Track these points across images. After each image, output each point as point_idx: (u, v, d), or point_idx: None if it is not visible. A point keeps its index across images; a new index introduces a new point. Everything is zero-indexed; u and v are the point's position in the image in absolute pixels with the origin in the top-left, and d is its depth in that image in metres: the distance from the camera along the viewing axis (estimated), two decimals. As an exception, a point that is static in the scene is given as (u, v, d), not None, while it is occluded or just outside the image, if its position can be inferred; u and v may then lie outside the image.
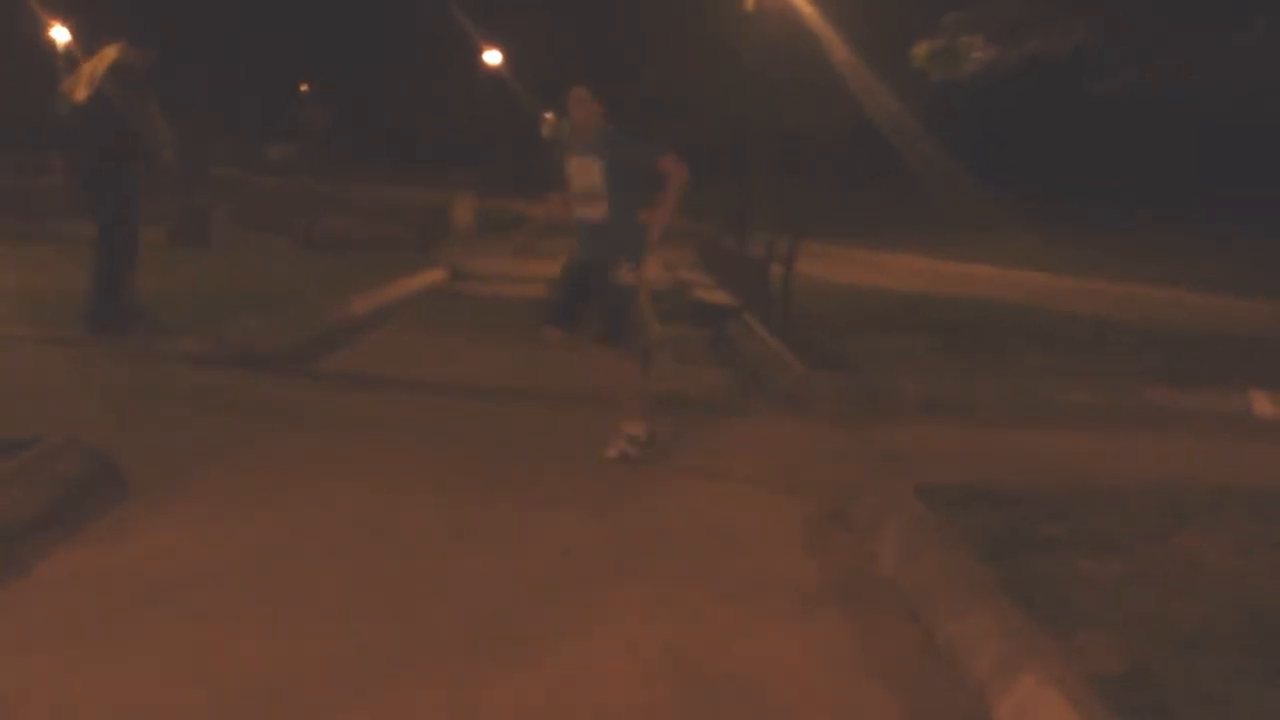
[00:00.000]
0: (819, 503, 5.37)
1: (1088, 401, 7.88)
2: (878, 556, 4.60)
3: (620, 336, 6.06)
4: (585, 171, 5.96)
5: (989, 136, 32.02)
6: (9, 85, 44.65)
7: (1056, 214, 27.42)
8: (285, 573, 4.14)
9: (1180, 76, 16.02)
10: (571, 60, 40.23)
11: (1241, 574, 4.22)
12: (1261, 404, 8.00)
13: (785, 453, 6.52)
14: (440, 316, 11.65)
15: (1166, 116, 25.35)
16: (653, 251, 6.20)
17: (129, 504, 4.77)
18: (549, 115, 39.84)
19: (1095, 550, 4.34)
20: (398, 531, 4.70)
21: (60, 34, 45.30)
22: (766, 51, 20.15)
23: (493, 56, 45.69)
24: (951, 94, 22.44)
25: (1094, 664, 3.26)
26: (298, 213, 18.28)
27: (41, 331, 8.13)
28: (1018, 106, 30.55)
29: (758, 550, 4.74)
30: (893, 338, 10.09)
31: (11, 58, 44.12)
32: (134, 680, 3.25)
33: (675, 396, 8.01)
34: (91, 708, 3.10)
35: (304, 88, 65.92)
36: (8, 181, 20.62)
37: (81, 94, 7.87)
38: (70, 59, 46.97)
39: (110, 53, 7.91)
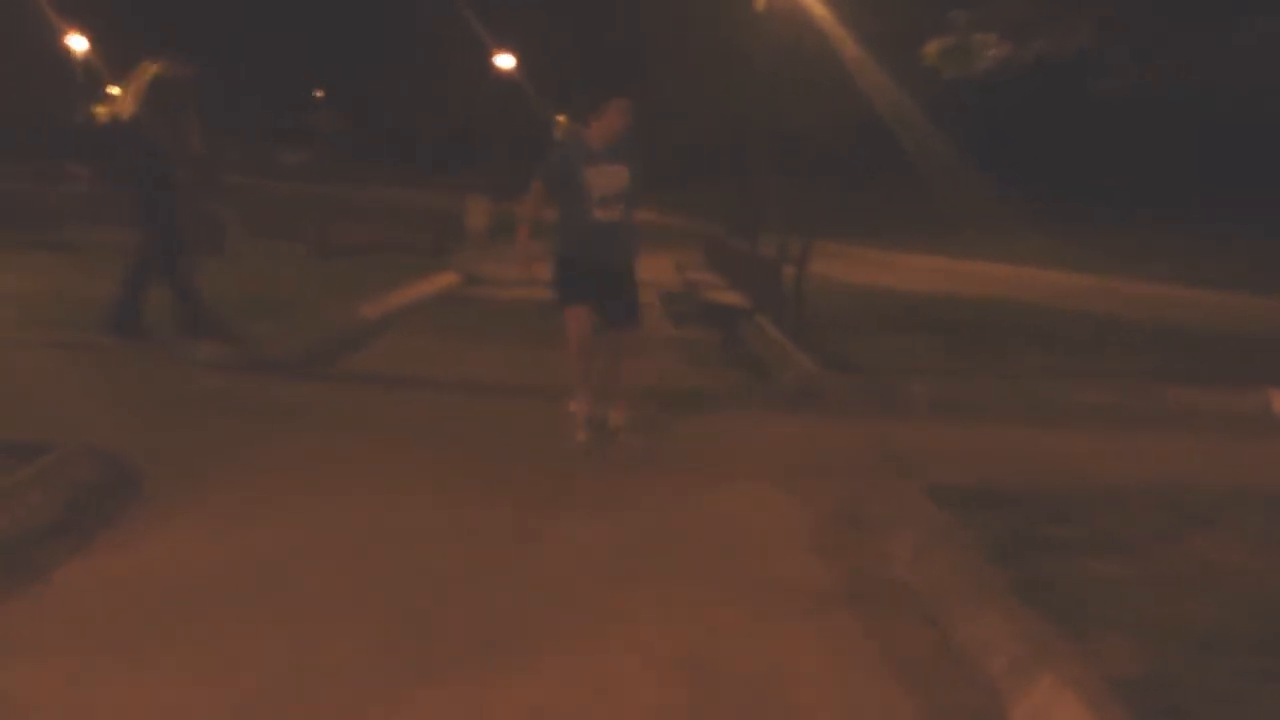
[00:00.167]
0: (831, 503, 5.36)
1: (1101, 401, 7.86)
2: (890, 557, 4.59)
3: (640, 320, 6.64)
4: (613, 177, 6.20)
5: (994, 135, 31.93)
6: (27, 93, 44.91)
7: (1062, 213, 27.33)
8: (300, 576, 4.15)
9: (1180, 76, 16.01)
10: (583, 63, 40.28)
11: (1257, 574, 4.21)
12: (1280, 403, 7.95)
13: (797, 453, 6.52)
14: (452, 321, 11.65)
15: (1167, 116, 25.27)
16: None
17: (144, 508, 4.79)
18: (561, 118, 39.90)
19: (1109, 551, 4.33)
20: (411, 534, 4.71)
21: (78, 42, 45.56)
22: (773, 51, 20.14)
23: (505, 60, 45.69)
24: (959, 92, 22.43)
25: (1109, 666, 3.25)
26: (308, 219, 18.25)
27: (57, 336, 8.16)
28: (1022, 106, 30.49)
29: (769, 551, 4.74)
30: (905, 338, 10.07)
31: (28, 66, 44.31)
32: (150, 685, 3.27)
33: (687, 396, 8.04)
34: (108, 713, 3.12)
35: (319, 93, 66.01)
36: (27, 188, 20.68)
37: (128, 109, 7.93)
38: (88, 68, 47.28)
39: (152, 68, 7.94)
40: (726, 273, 15.64)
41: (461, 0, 43.21)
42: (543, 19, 46.82)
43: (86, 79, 48.98)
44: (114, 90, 56.12)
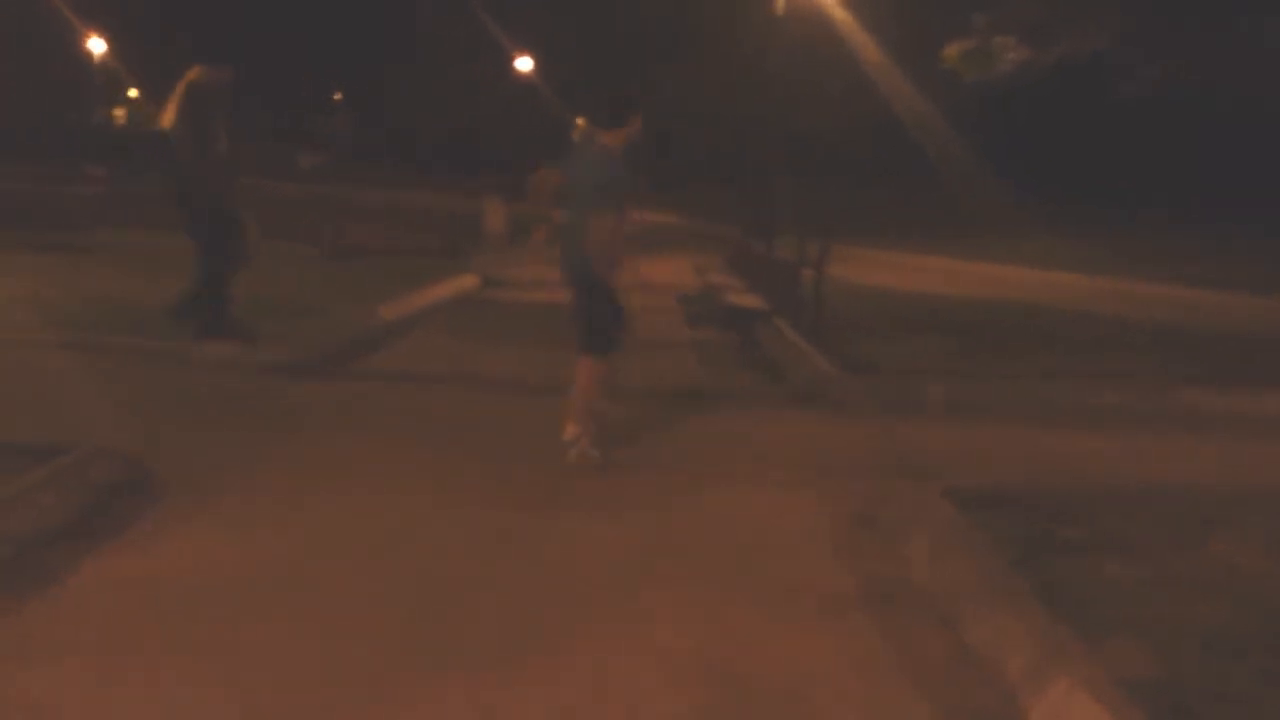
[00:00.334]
0: (848, 505, 5.35)
1: (1115, 403, 7.84)
2: (907, 559, 4.58)
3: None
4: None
5: (1009, 138, 31.87)
6: (45, 95, 45.23)
7: (1075, 215, 27.24)
8: (314, 577, 4.16)
9: (1198, 78, 15.97)
10: (597, 66, 40.32)
11: (1271, 576, 4.18)
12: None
13: (813, 454, 6.50)
14: (473, 324, 11.62)
15: (1181, 117, 25.19)
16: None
17: (159, 510, 4.80)
18: (580, 122, 39.89)
19: (1123, 554, 4.32)
20: (426, 536, 4.71)
21: (96, 45, 45.86)
22: (789, 53, 20.12)
23: (524, 63, 45.74)
24: (976, 95, 22.39)
25: (1124, 668, 3.23)
26: (322, 221, 18.25)
27: (70, 337, 8.18)
28: (1037, 108, 30.42)
29: (786, 553, 4.72)
30: (921, 340, 10.04)
31: (47, 68, 44.62)
32: (166, 686, 3.27)
33: (701, 396, 8.03)
34: (125, 714, 3.13)
35: (337, 96, 66.13)
36: (44, 189, 20.78)
37: (169, 119, 7.95)
38: (107, 70, 47.59)
39: (189, 75, 7.95)
40: (746, 276, 15.62)
41: (469, 0, 43.17)
42: (551, 20, 46.76)
43: (105, 81, 49.33)
44: (133, 94, 56.48)
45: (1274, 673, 3.30)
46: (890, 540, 4.85)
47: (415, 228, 19.96)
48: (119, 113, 59.79)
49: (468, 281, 14.86)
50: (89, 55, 47.15)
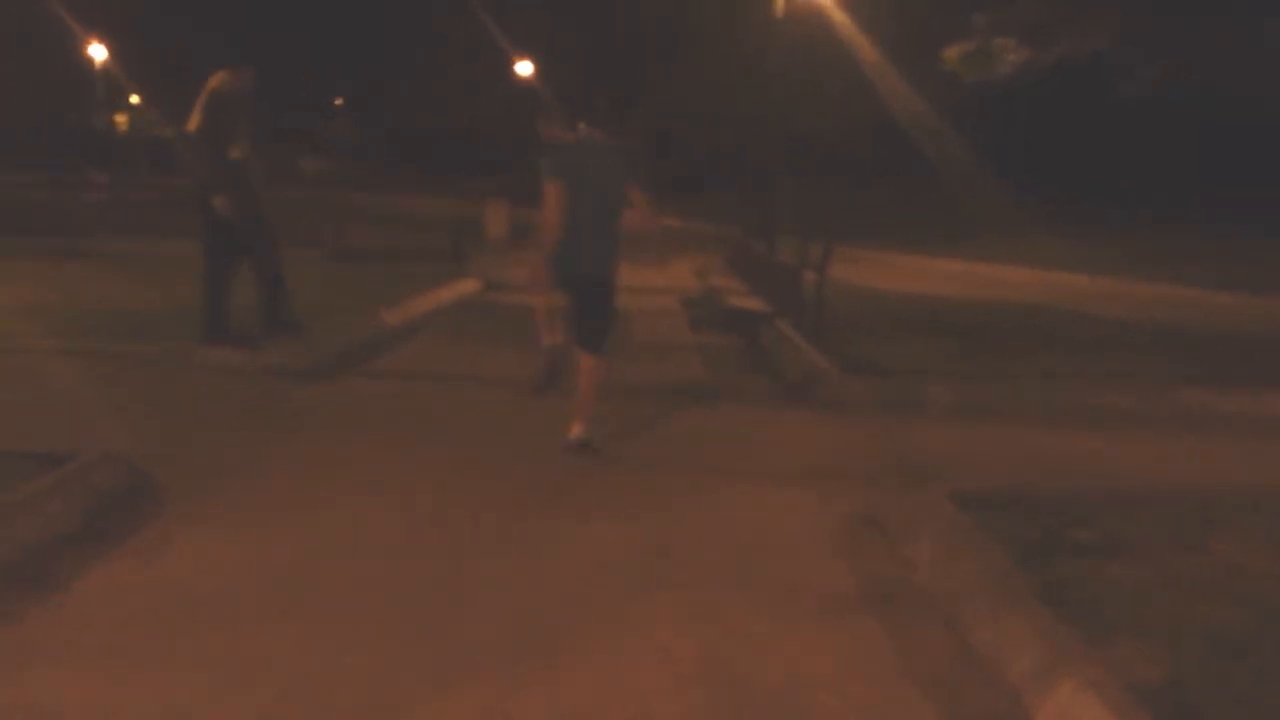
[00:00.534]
0: (853, 507, 5.36)
1: (1118, 403, 7.84)
2: (912, 561, 4.58)
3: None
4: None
5: (1010, 139, 31.88)
6: (47, 100, 45.25)
7: (1076, 215, 27.23)
8: (321, 583, 4.17)
9: (1199, 78, 15.95)
10: (596, 68, 40.26)
11: (1274, 577, 4.18)
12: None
13: (818, 457, 6.50)
14: (474, 327, 11.61)
15: (1176, 117, 25.19)
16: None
17: (165, 516, 4.81)
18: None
19: (1128, 554, 4.32)
20: (429, 538, 4.72)
21: (98, 51, 45.86)
22: (789, 54, 20.11)
23: (524, 67, 45.68)
24: (974, 96, 22.37)
25: (1130, 670, 3.24)
26: (323, 222, 18.27)
27: (74, 344, 8.19)
28: (1037, 109, 30.41)
29: (791, 555, 4.73)
30: (922, 341, 10.04)
31: (49, 73, 44.62)
32: (173, 694, 3.28)
33: (702, 396, 8.04)
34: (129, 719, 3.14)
35: (338, 102, 66.17)
36: (47, 195, 20.83)
37: (193, 124, 7.96)
38: (109, 76, 47.59)
39: (213, 81, 7.95)
40: (748, 278, 15.60)
41: (472, 2, 43.11)
42: (551, 20, 46.65)
43: (106, 87, 49.32)
44: (135, 100, 56.47)
45: (1277, 673, 3.31)
46: (892, 541, 4.86)
47: (417, 230, 19.98)
48: (120, 119, 59.79)
49: (469, 285, 14.87)
50: (90, 61, 47.15)
